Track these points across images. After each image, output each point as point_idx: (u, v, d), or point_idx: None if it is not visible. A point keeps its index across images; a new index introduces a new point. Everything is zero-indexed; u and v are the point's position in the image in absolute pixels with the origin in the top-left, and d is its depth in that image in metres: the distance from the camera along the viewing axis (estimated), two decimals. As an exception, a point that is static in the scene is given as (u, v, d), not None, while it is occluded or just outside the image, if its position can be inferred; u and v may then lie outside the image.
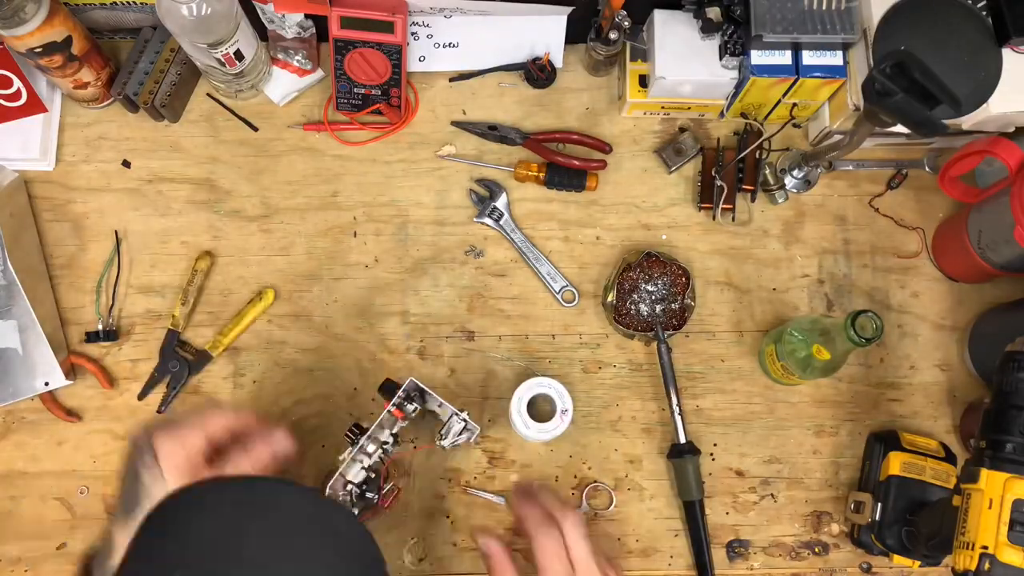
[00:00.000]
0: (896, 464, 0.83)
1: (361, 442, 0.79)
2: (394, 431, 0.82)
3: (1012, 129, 0.85)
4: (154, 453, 0.58)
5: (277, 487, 0.46)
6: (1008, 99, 0.80)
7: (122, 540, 0.57)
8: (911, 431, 0.89)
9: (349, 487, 0.80)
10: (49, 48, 0.82)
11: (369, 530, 0.47)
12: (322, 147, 0.95)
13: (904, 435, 0.87)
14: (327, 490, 0.78)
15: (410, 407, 0.81)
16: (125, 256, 0.92)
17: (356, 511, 0.80)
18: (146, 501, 0.58)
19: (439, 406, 0.82)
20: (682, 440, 0.86)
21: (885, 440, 0.87)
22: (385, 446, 0.81)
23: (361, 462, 0.80)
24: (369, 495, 0.81)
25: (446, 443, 0.83)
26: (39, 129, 0.92)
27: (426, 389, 0.81)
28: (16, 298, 0.86)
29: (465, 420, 0.82)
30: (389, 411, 0.80)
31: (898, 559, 0.83)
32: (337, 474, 0.78)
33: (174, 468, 0.58)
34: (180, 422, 0.61)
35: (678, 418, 0.87)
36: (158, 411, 0.88)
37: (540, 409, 0.85)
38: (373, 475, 0.81)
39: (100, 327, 0.89)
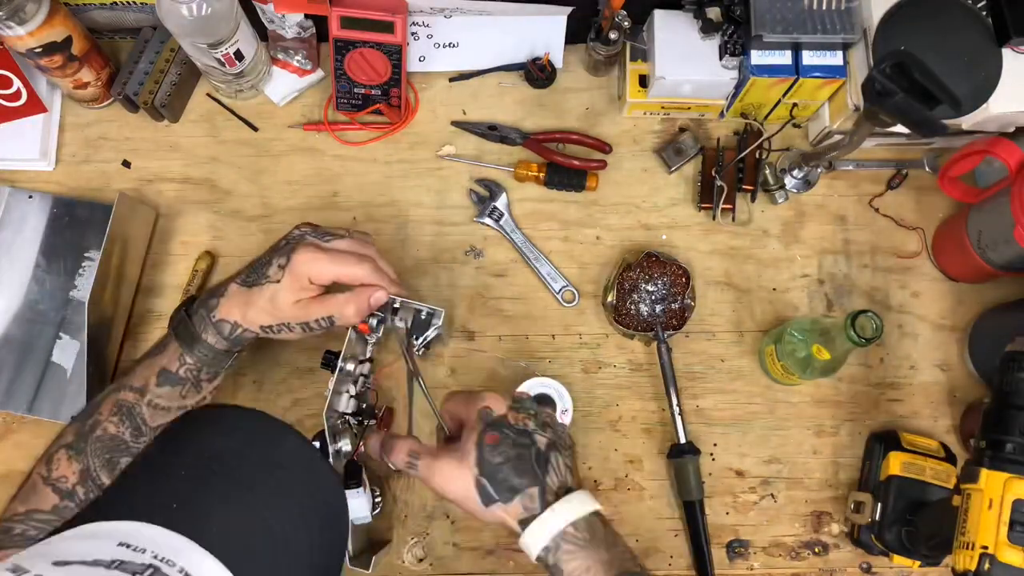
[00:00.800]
0: (896, 464, 0.84)
1: (339, 365, 0.79)
2: (368, 355, 0.83)
3: (1012, 129, 0.85)
4: (290, 257, 0.71)
5: (283, 430, 0.54)
6: (1008, 99, 0.80)
7: (230, 300, 0.72)
8: (911, 431, 0.89)
9: (344, 418, 0.81)
10: (49, 48, 0.82)
11: (344, 494, 0.57)
12: (322, 147, 0.95)
13: (904, 435, 0.87)
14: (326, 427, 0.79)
15: (373, 321, 0.81)
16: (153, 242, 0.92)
17: (358, 438, 0.82)
18: (265, 283, 0.71)
19: (399, 320, 0.82)
20: (682, 440, 0.86)
21: (885, 440, 0.87)
22: (363, 372, 0.82)
23: (347, 391, 0.81)
24: (365, 422, 0.83)
25: (418, 343, 0.83)
26: (39, 129, 0.92)
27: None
28: (83, 321, 0.83)
29: (429, 310, 0.81)
30: (354, 328, 0.80)
31: (898, 559, 0.83)
32: (327, 407, 0.78)
33: (294, 281, 0.71)
34: (327, 250, 0.72)
35: (678, 418, 0.87)
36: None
37: None
38: (364, 405, 0.83)
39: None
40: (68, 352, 0.88)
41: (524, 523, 0.62)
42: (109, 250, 0.83)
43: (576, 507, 0.62)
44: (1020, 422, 0.67)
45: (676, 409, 0.87)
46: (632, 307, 0.89)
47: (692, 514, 0.87)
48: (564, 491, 0.63)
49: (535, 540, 0.61)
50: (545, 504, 0.62)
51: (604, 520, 0.63)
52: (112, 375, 0.88)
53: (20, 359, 0.87)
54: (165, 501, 0.48)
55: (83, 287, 0.89)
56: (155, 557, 0.43)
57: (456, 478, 0.63)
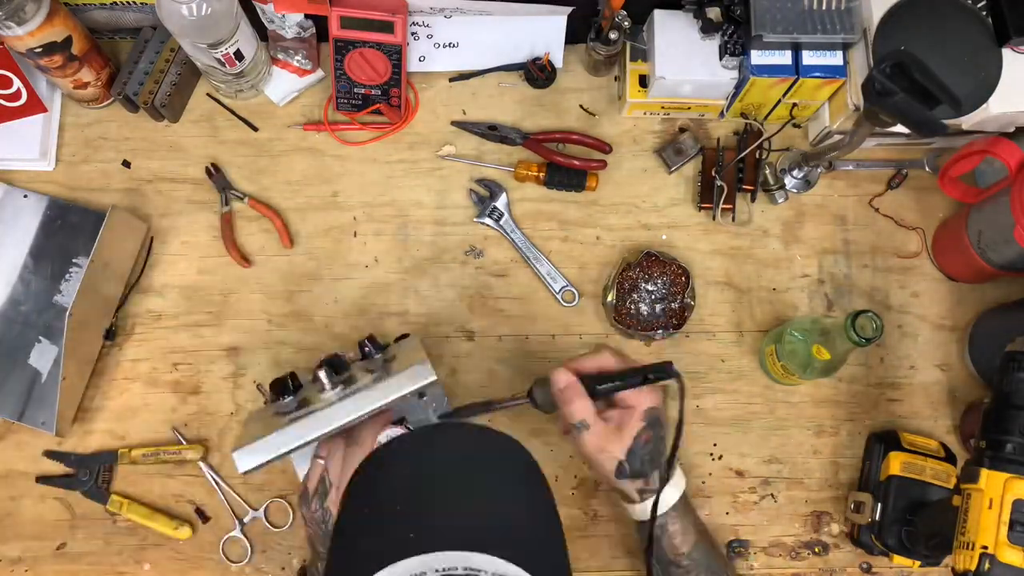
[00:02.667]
0: (896, 464, 0.84)
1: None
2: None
3: (1012, 129, 0.85)
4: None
5: (457, 429, 0.61)
6: (1008, 99, 0.80)
7: None
8: (911, 431, 0.89)
9: None
10: (49, 48, 0.82)
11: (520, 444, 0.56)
12: (322, 147, 0.95)
13: (904, 435, 0.87)
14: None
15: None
16: (140, 256, 0.92)
17: None
18: None
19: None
20: None
21: (885, 440, 0.87)
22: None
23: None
24: None
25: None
26: (39, 129, 0.92)
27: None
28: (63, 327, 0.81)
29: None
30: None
31: (898, 559, 0.83)
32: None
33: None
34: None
35: None
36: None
37: None
38: None
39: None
40: (45, 357, 0.87)
41: (642, 493, 0.74)
42: (96, 262, 0.83)
43: (680, 484, 0.76)
44: (1020, 422, 0.67)
45: None
46: (632, 307, 0.89)
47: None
48: (666, 470, 0.74)
49: (647, 509, 0.74)
50: (661, 483, 0.74)
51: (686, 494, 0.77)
52: (87, 385, 0.88)
53: (-4, 357, 0.87)
54: (432, 525, 0.48)
55: (68, 293, 0.88)
56: (466, 569, 0.44)
57: (604, 451, 0.73)
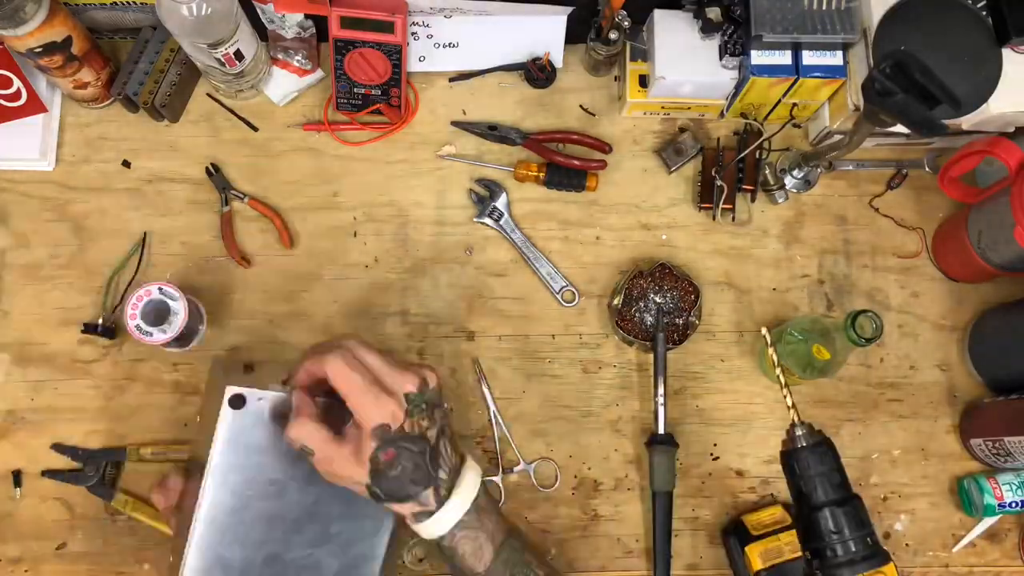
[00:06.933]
0: (756, 558, 0.81)
1: None
2: None
3: (1012, 129, 0.85)
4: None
5: None
6: (1008, 99, 0.80)
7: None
8: (748, 507, 0.88)
9: None
10: (49, 48, 0.82)
11: None
12: (322, 147, 0.95)
13: (748, 520, 0.84)
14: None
15: None
16: (136, 256, 0.92)
17: None
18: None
19: None
20: (661, 431, 0.86)
21: (736, 533, 0.84)
22: None
23: None
24: None
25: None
26: (39, 129, 0.92)
27: None
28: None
29: None
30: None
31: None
32: None
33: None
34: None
35: (661, 408, 0.86)
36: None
37: None
38: None
39: (100, 322, 0.89)
40: None
41: (418, 516, 0.64)
42: None
43: (467, 495, 0.65)
44: (825, 521, 0.64)
45: (661, 399, 0.86)
46: (637, 314, 0.89)
47: (662, 505, 0.85)
48: (454, 474, 0.65)
49: (430, 531, 0.65)
50: (440, 501, 0.64)
51: (484, 489, 0.67)
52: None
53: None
54: None
55: None
56: None
57: (348, 477, 0.63)
